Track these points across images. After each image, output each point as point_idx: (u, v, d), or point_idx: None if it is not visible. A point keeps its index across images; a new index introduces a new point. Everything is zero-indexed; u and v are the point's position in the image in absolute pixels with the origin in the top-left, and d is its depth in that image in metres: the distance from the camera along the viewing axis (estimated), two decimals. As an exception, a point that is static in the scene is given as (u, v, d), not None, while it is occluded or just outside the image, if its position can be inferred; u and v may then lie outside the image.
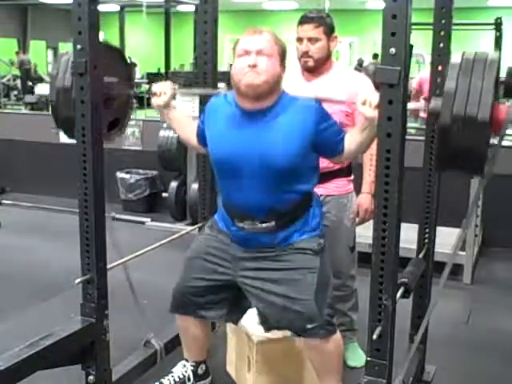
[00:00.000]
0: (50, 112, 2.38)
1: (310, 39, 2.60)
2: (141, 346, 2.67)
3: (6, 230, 5.06)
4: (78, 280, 2.23)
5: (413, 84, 6.51)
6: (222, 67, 10.84)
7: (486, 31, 8.01)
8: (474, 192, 3.13)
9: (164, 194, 5.49)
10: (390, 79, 1.61)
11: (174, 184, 5.39)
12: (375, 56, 11.74)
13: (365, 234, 2.74)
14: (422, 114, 5.93)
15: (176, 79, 5.11)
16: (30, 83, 12.95)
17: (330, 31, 2.62)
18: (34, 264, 4.22)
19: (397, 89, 1.62)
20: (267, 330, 2.34)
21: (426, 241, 2.52)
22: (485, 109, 1.65)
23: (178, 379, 2.52)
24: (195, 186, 4.77)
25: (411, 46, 2.51)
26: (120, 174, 5.58)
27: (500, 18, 6.53)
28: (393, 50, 1.59)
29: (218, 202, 2.45)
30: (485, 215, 4.26)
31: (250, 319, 2.58)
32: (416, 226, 2.54)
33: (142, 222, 5.36)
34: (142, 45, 11.74)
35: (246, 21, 18.00)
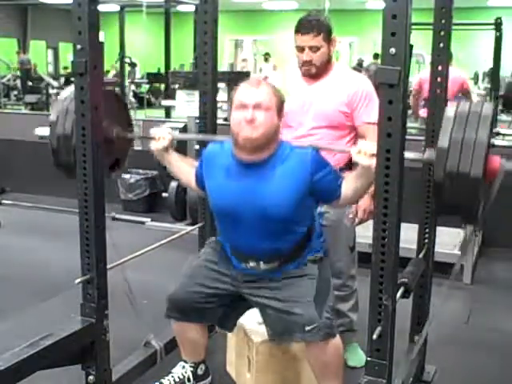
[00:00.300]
0: (51, 154, 2.39)
1: (311, 48, 2.59)
2: (141, 346, 2.67)
3: (5, 230, 5.06)
4: (78, 280, 2.23)
5: (413, 84, 6.53)
6: (222, 67, 10.86)
7: (486, 31, 8.00)
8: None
9: (164, 194, 5.49)
10: (390, 79, 1.61)
11: (173, 184, 5.39)
12: (376, 56, 11.73)
13: (365, 234, 2.74)
14: (422, 114, 5.94)
15: (176, 79, 5.12)
16: (30, 83, 12.95)
17: (329, 35, 2.62)
18: (34, 264, 4.22)
19: (397, 89, 1.62)
20: (274, 340, 2.33)
21: (426, 241, 2.52)
22: (478, 166, 1.70)
23: (177, 379, 2.52)
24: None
25: (411, 46, 2.50)
26: (120, 174, 5.59)
27: (500, 18, 6.54)
28: (393, 50, 1.59)
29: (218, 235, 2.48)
30: (485, 215, 4.25)
31: (250, 319, 2.58)
32: (416, 226, 2.54)
33: (142, 222, 5.35)
34: (142, 45, 11.74)
35: (245, 21, 18.04)
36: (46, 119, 2.47)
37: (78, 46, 2.06)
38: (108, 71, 14.48)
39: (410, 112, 6.77)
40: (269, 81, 2.65)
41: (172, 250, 3.14)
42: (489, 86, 8.97)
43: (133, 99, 12.98)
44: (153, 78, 13.85)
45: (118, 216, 5.35)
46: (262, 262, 2.27)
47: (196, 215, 3.53)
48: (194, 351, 2.55)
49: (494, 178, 1.79)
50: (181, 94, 4.95)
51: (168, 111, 8.29)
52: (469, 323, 3.44)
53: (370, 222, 1.86)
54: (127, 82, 11.36)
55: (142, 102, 12.52)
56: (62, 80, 15.99)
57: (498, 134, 5.18)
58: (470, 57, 13.77)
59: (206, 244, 2.58)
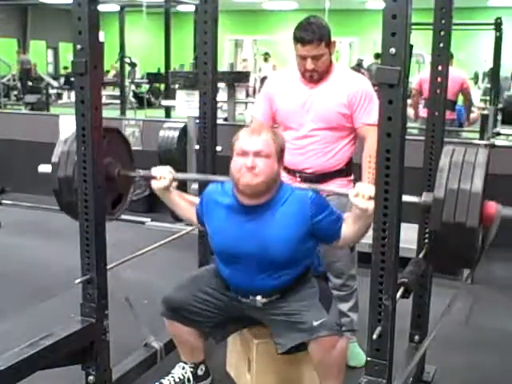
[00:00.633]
0: (54, 195, 2.42)
1: (314, 57, 2.58)
2: (141, 346, 2.67)
3: (5, 230, 5.06)
4: (78, 280, 2.23)
5: (413, 84, 6.52)
6: (222, 67, 10.86)
7: (486, 31, 8.00)
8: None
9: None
10: (390, 79, 1.61)
11: (173, 184, 5.38)
12: (377, 56, 11.73)
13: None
14: (422, 114, 5.93)
15: (176, 79, 5.12)
16: (30, 83, 12.95)
17: (329, 40, 2.60)
18: (34, 264, 4.22)
19: (397, 89, 1.61)
20: (283, 351, 2.32)
21: (426, 241, 2.51)
22: (473, 216, 1.74)
23: (177, 380, 2.52)
24: (195, 186, 4.76)
25: (411, 46, 2.51)
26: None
27: (500, 18, 6.53)
28: (393, 50, 1.59)
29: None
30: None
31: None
32: (416, 226, 2.54)
33: (142, 222, 5.36)
34: (142, 45, 11.76)
35: (245, 21, 18.05)
36: (45, 119, 2.47)
37: (78, 46, 2.06)
38: (108, 71, 14.49)
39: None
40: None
41: (172, 250, 3.14)
42: (489, 85, 8.97)
43: (133, 99, 12.99)
44: (153, 77, 13.85)
45: (118, 216, 5.34)
46: (260, 297, 2.32)
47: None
48: (191, 353, 2.56)
49: (491, 223, 1.82)
50: (181, 94, 4.96)
51: (168, 111, 8.28)
52: (469, 323, 3.44)
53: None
54: (127, 81, 11.36)
55: (142, 102, 12.52)
56: (62, 80, 16.02)
57: (498, 134, 5.18)
58: (470, 57, 13.77)
59: (212, 259, 2.61)
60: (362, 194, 1.97)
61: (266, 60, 13.68)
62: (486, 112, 5.16)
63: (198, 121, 2.95)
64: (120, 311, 2.54)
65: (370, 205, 1.90)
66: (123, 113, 8.93)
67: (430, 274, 2.55)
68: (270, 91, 2.79)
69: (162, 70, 10.41)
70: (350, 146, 2.73)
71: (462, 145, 1.92)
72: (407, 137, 1.76)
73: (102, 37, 2.22)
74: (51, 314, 3.25)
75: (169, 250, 3.02)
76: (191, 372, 2.55)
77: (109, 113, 7.68)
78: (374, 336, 1.74)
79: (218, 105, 2.94)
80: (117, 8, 9.62)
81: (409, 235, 2.34)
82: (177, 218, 5.38)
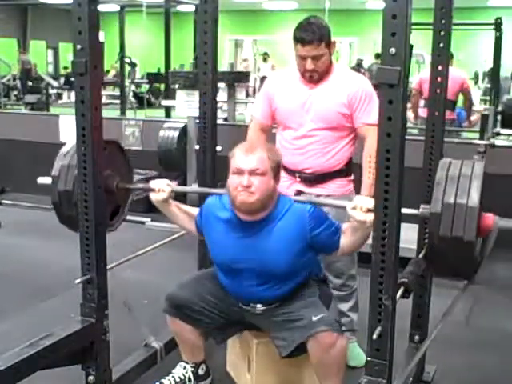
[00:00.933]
0: (53, 207, 2.43)
1: (313, 57, 2.57)
2: (141, 346, 2.67)
3: (5, 229, 5.06)
4: (78, 280, 2.23)
5: (412, 84, 6.52)
6: (222, 67, 10.86)
7: (486, 31, 8.00)
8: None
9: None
10: (390, 79, 1.61)
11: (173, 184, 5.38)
12: (378, 56, 11.72)
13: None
14: (422, 114, 5.93)
15: (176, 79, 5.11)
16: (30, 83, 12.95)
17: (329, 40, 2.60)
18: (34, 264, 4.22)
19: (397, 89, 1.61)
20: (286, 353, 2.32)
21: (426, 241, 2.51)
22: (471, 229, 1.76)
23: (178, 380, 2.52)
24: (195, 185, 4.77)
25: (411, 46, 2.50)
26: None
27: (500, 18, 6.53)
28: (393, 50, 1.59)
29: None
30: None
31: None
32: (416, 226, 2.54)
33: (142, 222, 5.35)
34: (142, 45, 11.76)
35: (245, 21, 18.04)
36: (45, 119, 2.47)
37: (78, 46, 2.06)
38: (108, 71, 14.48)
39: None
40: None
41: (172, 250, 3.14)
42: (489, 86, 8.97)
43: (133, 99, 12.99)
44: (153, 77, 13.85)
45: (117, 216, 5.34)
46: (260, 305, 2.35)
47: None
48: (192, 352, 2.56)
49: (488, 235, 1.83)
50: (181, 94, 4.95)
51: (168, 111, 8.28)
52: (469, 323, 3.44)
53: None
54: (127, 81, 11.36)
55: (142, 102, 12.52)
56: (62, 80, 16.01)
57: (498, 134, 5.17)
58: (470, 57, 13.77)
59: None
60: (359, 207, 1.99)
61: (264, 60, 13.68)
62: (486, 112, 5.16)
63: (197, 121, 2.95)
64: (120, 311, 2.54)
65: (368, 217, 1.93)
66: (123, 113, 8.94)
67: (430, 274, 2.55)
68: (270, 91, 2.79)
69: (162, 70, 10.41)
70: (349, 146, 2.72)
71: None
72: (407, 137, 1.76)
73: (102, 37, 2.22)
74: (51, 314, 3.25)
75: (169, 250, 3.02)
76: (192, 372, 2.55)
77: (109, 113, 7.68)
78: (374, 336, 1.74)
79: (218, 105, 2.94)
80: (117, 8, 9.62)
81: (409, 235, 2.33)
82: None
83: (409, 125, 5.94)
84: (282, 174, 2.74)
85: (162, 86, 12.61)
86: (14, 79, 13.48)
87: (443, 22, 2.32)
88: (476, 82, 12.37)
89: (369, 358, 1.78)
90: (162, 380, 2.51)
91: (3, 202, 5.96)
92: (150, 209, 5.67)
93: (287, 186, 2.68)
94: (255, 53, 13.65)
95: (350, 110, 2.63)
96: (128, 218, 5.67)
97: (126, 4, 9.85)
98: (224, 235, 2.32)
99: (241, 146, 2.27)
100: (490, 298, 3.81)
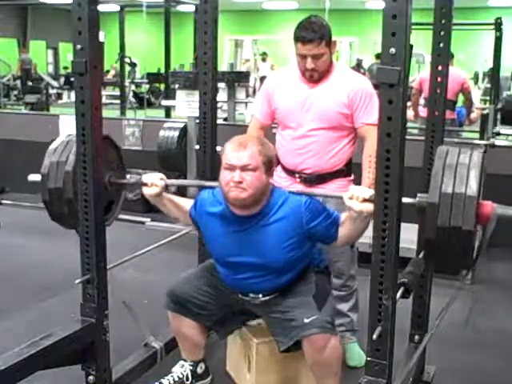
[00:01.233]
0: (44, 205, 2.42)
1: (314, 56, 2.57)
2: (141, 346, 2.67)
3: (5, 229, 5.05)
4: (78, 280, 2.23)
5: (413, 84, 6.52)
6: (222, 67, 10.85)
7: (486, 31, 8.00)
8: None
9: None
10: (390, 79, 1.61)
11: (173, 187, 5.38)
12: (378, 56, 11.71)
13: (365, 234, 2.74)
14: (422, 114, 5.93)
15: (176, 79, 5.12)
16: (30, 83, 12.95)
17: (330, 40, 2.60)
18: (33, 264, 4.22)
19: (397, 89, 1.61)
20: (284, 349, 2.32)
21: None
22: (469, 219, 1.73)
23: (177, 379, 2.53)
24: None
25: (411, 46, 2.50)
26: (120, 174, 5.57)
27: (500, 18, 6.52)
28: (393, 50, 1.59)
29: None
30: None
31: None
32: (416, 226, 2.54)
33: (142, 222, 5.35)
34: (142, 45, 11.73)
35: (245, 21, 18.04)
36: (45, 119, 2.47)
37: (78, 46, 2.06)
38: (108, 71, 14.48)
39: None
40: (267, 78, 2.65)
41: (172, 250, 3.14)
42: (489, 86, 8.96)
43: (133, 99, 12.98)
44: (153, 78, 13.84)
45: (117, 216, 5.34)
46: (260, 295, 2.35)
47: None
48: (192, 350, 2.56)
49: (487, 223, 1.82)
50: (181, 94, 4.95)
51: (168, 111, 8.28)
52: (469, 323, 3.44)
53: (370, 222, 1.87)
54: (127, 82, 11.35)
55: (142, 102, 12.50)
56: (62, 80, 16.01)
57: (498, 134, 5.18)
58: (470, 57, 13.76)
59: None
60: (356, 197, 1.97)
61: (263, 60, 13.67)
62: (486, 112, 5.16)
63: (197, 121, 2.95)
64: (120, 311, 2.54)
65: (365, 207, 1.92)
66: (123, 113, 8.93)
67: (430, 274, 2.55)
68: (270, 90, 2.78)
69: (162, 70, 10.40)
70: (349, 147, 2.72)
71: (457, 145, 1.91)
72: (407, 137, 1.76)
73: (102, 37, 2.22)
74: (51, 314, 3.25)
75: (169, 250, 3.02)
76: (190, 370, 2.56)
77: (109, 113, 7.68)
78: (374, 336, 1.74)
79: (218, 105, 2.94)
80: (117, 8, 9.61)
81: (409, 235, 2.33)
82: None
83: (409, 125, 5.94)
84: (282, 174, 2.75)
85: (162, 86, 12.60)
86: (14, 79, 13.48)
87: (443, 22, 2.32)
88: (476, 82, 12.36)
89: (369, 358, 1.78)
90: (162, 380, 2.52)
91: (3, 201, 5.97)
92: (149, 209, 5.68)
93: (287, 186, 2.68)
94: (255, 53, 13.64)
95: (350, 110, 2.63)
96: (128, 217, 5.70)
97: (125, 4, 9.83)
98: (219, 230, 2.31)
99: (232, 140, 2.24)
100: (490, 298, 3.81)
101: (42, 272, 4.06)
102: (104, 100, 10.21)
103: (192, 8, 8.94)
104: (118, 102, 9.99)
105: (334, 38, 2.63)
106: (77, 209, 2.21)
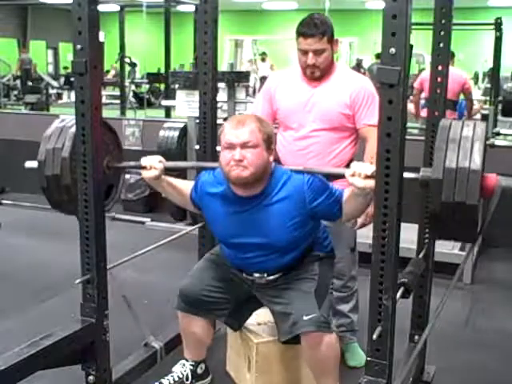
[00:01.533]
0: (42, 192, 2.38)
1: (315, 51, 2.56)
2: (141, 346, 2.67)
3: (5, 229, 5.05)
4: (78, 280, 2.23)
5: (414, 84, 6.53)
6: (222, 67, 10.85)
7: (486, 31, 8.00)
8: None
9: (164, 194, 5.48)
10: (390, 79, 1.61)
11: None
12: (378, 56, 11.70)
13: (365, 234, 2.74)
14: (423, 114, 5.94)
15: (176, 79, 5.11)
16: (30, 83, 12.94)
17: (332, 37, 2.59)
18: (33, 264, 4.22)
19: (397, 89, 1.61)
20: (284, 341, 2.33)
21: (426, 241, 2.51)
22: (473, 193, 1.71)
23: (177, 378, 2.53)
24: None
25: (411, 46, 2.50)
26: (120, 174, 5.57)
27: (500, 18, 6.53)
28: (393, 50, 1.59)
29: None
30: (485, 215, 4.25)
31: (250, 319, 2.59)
32: (416, 226, 2.54)
33: (142, 222, 5.35)
34: (142, 45, 11.72)
35: (245, 21, 18.04)
36: (45, 119, 2.46)
37: (78, 46, 2.06)
38: (108, 71, 14.47)
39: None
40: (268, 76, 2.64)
41: (172, 250, 3.14)
42: (489, 86, 8.96)
43: (133, 99, 12.97)
44: (153, 78, 13.83)
45: (117, 216, 5.35)
46: (265, 275, 2.34)
47: (196, 215, 3.52)
48: (196, 349, 2.57)
49: (492, 195, 1.80)
50: (181, 94, 4.95)
51: (168, 111, 8.27)
52: (469, 323, 3.45)
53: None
54: (127, 82, 11.35)
55: (142, 102, 12.49)
56: (62, 80, 16.02)
57: (498, 134, 5.18)
58: (470, 57, 13.76)
59: (216, 241, 2.60)
60: (358, 173, 1.94)
61: (263, 60, 13.66)
62: (485, 112, 5.17)
63: (197, 121, 2.95)
64: (120, 311, 2.54)
65: (368, 183, 1.87)
66: (123, 113, 8.93)
67: (430, 274, 2.55)
68: (271, 89, 2.77)
69: (162, 70, 10.39)
70: (351, 147, 2.71)
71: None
72: (407, 137, 1.76)
73: (102, 37, 2.22)
74: (51, 314, 3.25)
75: (169, 250, 3.02)
76: (190, 370, 2.56)
77: (109, 113, 7.68)
78: (374, 336, 1.74)
79: (218, 105, 2.93)
80: (117, 8, 9.61)
81: (409, 235, 2.34)
82: (177, 218, 5.40)
83: (409, 125, 5.95)
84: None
85: (162, 86, 12.59)
86: (14, 79, 13.47)
87: (443, 22, 2.32)
88: (476, 82, 12.36)
89: (369, 358, 1.78)
90: (162, 380, 2.52)
91: (3, 201, 5.97)
92: (150, 209, 5.70)
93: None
94: (255, 53, 13.63)
95: (352, 111, 2.62)
96: (128, 217, 5.70)
97: (126, 4, 9.83)
98: (221, 211, 2.29)
99: (230, 119, 2.24)
100: (490, 298, 3.81)
101: (42, 272, 4.06)
102: (104, 100, 10.19)
103: (192, 8, 8.94)
104: (118, 101, 9.99)
105: (336, 37, 2.62)
106: (75, 195, 2.20)
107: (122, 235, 4.56)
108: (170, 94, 7.67)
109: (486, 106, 6.88)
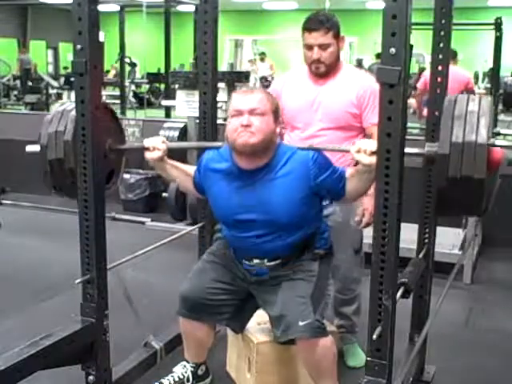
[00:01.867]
0: (44, 176, 2.35)
1: (320, 46, 2.55)
2: (141, 346, 2.67)
3: (5, 229, 5.05)
4: (78, 280, 2.23)
5: (418, 84, 6.54)
6: (222, 67, 10.85)
7: (486, 31, 8.00)
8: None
9: (164, 194, 5.50)
10: (390, 79, 1.61)
11: (173, 184, 5.39)
12: (379, 56, 11.69)
13: (365, 234, 2.74)
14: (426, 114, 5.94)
15: (176, 79, 5.12)
16: (30, 83, 12.95)
17: (338, 32, 2.58)
18: (34, 264, 4.22)
19: (397, 89, 1.62)
20: (279, 341, 2.32)
21: (426, 241, 2.52)
22: (480, 167, 1.70)
23: (177, 379, 2.53)
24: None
25: (411, 46, 2.50)
26: (120, 174, 5.57)
27: (500, 18, 6.54)
28: (393, 50, 1.59)
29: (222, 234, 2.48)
30: (485, 215, 4.26)
31: (250, 320, 2.58)
32: (416, 226, 2.54)
33: (142, 222, 5.36)
34: (142, 45, 11.73)
35: (246, 21, 18.04)
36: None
37: (78, 46, 2.06)
38: (108, 71, 14.48)
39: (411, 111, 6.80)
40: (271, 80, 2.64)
41: (172, 250, 3.14)
42: (489, 86, 8.97)
43: (133, 99, 12.98)
44: (153, 78, 13.84)
45: (117, 216, 5.35)
46: (265, 260, 2.31)
47: (196, 215, 3.53)
48: (197, 352, 2.56)
49: (498, 168, 1.79)
50: (181, 94, 4.95)
51: (168, 111, 8.29)
52: (469, 323, 3.45)
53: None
54: (127, 82, 11.36)
55: (142, 102, 12.51)
56: (62, 80, 16.02)
57: (498, 134, 5.18)
58: (470, 57, 13.76)
59: (214, 240, 2.59)
60: (363, 150, 1.94)
61: (262, 60, 13.66)
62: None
63: (197, 121, 2.95)
64: (120, 311, 2.53)
65: (374, 159, 1.83)
66: (123, 113, 8.93)
67: (430, 274, 2.55)
68: (278, 89, 2.75)
69: (162, 70, 10.41)
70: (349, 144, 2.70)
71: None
72: (407, 137, 1.76)
73: (102, 37, 2.21)
74: (51, 314, 3.25)
75: (169, 250, 3.01)
76: (191, 372, 2.56)
77: (109, 113, 7.66)
78: (374, 336, 1.74)
79: (218, 105, 2.93)
80: (117, 8, 9.62)
81: (409, 235, 2.34)
82: (177, 218, 5.40)
83: (409, 125, 5.95)
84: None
85: (162, 86, 12.60)
86: (14, 79, 13.48)
87: (443, 22, 2.32)
88: (476, 82, 12.36)
89: (369, 358, 1.78)
90: (162, 380, 2.51)
91: (3, 201, 5.97)
92: (150, 209, 5.71)
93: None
94: (255, 53, 13.63)
95: (359, 110, 2.60)
96: (128, 217, 5.69)
97: (126, 4, 9.85)
98: (224, 187, 2.28)
99: (238, 91, 2.26)
100: (490, 298, 3.81)
101: (42, 272, 4.06)
102: (104, 100, 10.20)
103: (192, 8, 8.96)
104: (118, 101, 10.00)
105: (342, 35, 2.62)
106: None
107: (122, 235, 4.56)
108: (169, 94, 7.68)
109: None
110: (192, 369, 2.56)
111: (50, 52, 19.97)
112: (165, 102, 8.17)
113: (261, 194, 2.21)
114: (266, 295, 2.35)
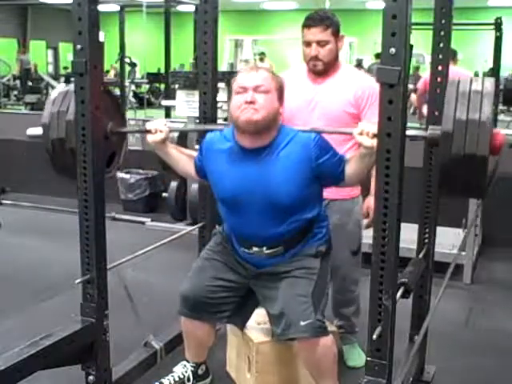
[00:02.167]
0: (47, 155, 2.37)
1: (318, 42, 2.55)
2: (141, 346, 2.67)
3: (5, 229, 5.06)
4: (78, 280, 2.23)
5: (418, 85, 6.54)
6: (222, 67, 10.85)
7: (486, 31, 7.99)
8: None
9: (164, 194, 5.49)
10: (390, 79, 1.61)
11: (173, 184, 5.39)
12: (378, 56, 11.70)
13: (365, 234, 2.74)
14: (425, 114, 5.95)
15: (176, 79, 5.12)
16: (30, 83, 12.96)
17: (337, 31, 2.58)
18: (34, 264, 4.22)
19: (397, 89, 1.62)
20: (278, 339, 2.32)
21: (426, 241, 2.52)
22: (484, 145, 1.71)
23: (177, 379, 2.53)
24: (195, 185, 4.77)
25: (411, 46, 2.50)
26: (120, 174, 5.58)
27: (500, 18, 6.53)
28: (393, 50, 1.59)
29: (223, 225, 2.48)
30: (485, 215, 4.27)
31: (250, 319, 2.58)
32: (416, 226, 2.54)
33: (142, 222, 5.36)
34: (141, 45, 11.73)
35: (246, 21, 18.05)
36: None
37: (78, 46, 2.06)
38: (108, 71, 14.49)
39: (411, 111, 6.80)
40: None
41: (172, 250, 3.13)
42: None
43: (133, 99, 12.98)
44: (153, 78, 13.85)
45: (117, 216, 5.35)
46: (264, 248, 2.29)
47: (196, 215, 3.52)
48: (197, 351, 2.56)
49: (500, 151, 1.80)
50: (181, 94, 4.95)
51: (168, 111, 8.28)
52: (469, 323, 3.45)
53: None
54: (127, 82, 11.36)
55: (142, 102, 12.51)
56: (62, 80, 16.03)
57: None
58: (470, 57, 13.77)
59: (212, 235, 2.58)
60: (366, 132, 1.94)
61: (261, 60, 13.66)
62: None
63: (197, 121, 2.95)
64: (120, 311, 2.53)
65: (375, 142, 1.83)
66: (123, 113, 8.93)
67: (430, 274, 2.55)
68: None
69: (162, 70, 10.40)
70: (357, 147, 2.69)
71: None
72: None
73: (102, 37, 2.21)
74: (51, 314, 3.25)
75: (169, 250, 3.01)
76: (192, 371, 2.56)
77: (109, 113, 7.66)
78: (374, 336, 1.74)
79: (218, 105, 2.93)
80: (117, 8, 9.61)
81: (409, 235, 2.34)
82: (177, 218, 5.40)
83: (409, 125, 5.96)
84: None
85: (162, 86, 12.61)
86: (14, 79, 13.49)
87: (443, 22, 2.32)
88: (476, 82, 12.37)
89: (369, 358, 1.78)
90: (162, 380, 2.51)
91: (3, 201, 5.97)
92: (150, 209, 5.70)
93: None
94: (255, 53, 13.64)
95: (357, 110, 2.60)
96: (128, 217, 5.69)
97: (125, 4, 9.83)
98: (226, 167, 2.27)
99: (242, 69, 2.25)
100: (490, 298, 3.81)
101: (42, 272, 4.06)
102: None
103: (192, 8, 8.94)
104: (117, 101, 9.98)
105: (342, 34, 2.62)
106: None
107: (122, 235, 4.56)
108: (169, 94, 7.67)
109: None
110: (192, 368, 2.56)
111: (50, 52, 19.99)
112: (165, 102, 8.16)
113: (262, 174, 2.20)
114: (266, 291, 2.34)
